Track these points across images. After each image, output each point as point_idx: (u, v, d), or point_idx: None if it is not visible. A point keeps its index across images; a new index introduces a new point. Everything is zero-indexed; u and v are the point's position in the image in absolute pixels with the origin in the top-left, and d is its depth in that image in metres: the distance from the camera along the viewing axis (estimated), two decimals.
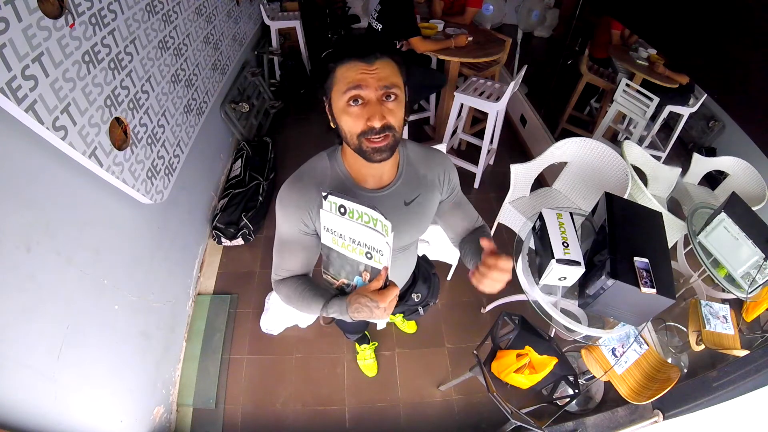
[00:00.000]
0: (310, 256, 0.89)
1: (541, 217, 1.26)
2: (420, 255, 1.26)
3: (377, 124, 0.68)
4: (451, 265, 2.13)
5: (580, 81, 2.74)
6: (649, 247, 1.13)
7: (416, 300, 1.20)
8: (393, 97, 0.70)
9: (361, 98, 0.69)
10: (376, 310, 0.72)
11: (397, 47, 2.44)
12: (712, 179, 2.09)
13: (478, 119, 3.05)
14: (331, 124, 0.76)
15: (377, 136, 0.69)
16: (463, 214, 1.03)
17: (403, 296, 1.19)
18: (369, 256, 0.73)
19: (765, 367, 1.25)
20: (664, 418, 1.48)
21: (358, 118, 0.70)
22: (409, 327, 2.01)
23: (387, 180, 0.85)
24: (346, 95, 0.69)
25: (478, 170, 2.70)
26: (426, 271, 1.26)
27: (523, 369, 1.30)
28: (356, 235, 0.72)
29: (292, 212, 0.82)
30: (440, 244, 1.82)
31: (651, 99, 2.17)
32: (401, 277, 1.12)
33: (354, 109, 0.70)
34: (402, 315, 1.67)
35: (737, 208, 1.48)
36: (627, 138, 2.32)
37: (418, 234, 0.96)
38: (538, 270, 1.28)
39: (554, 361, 1.31)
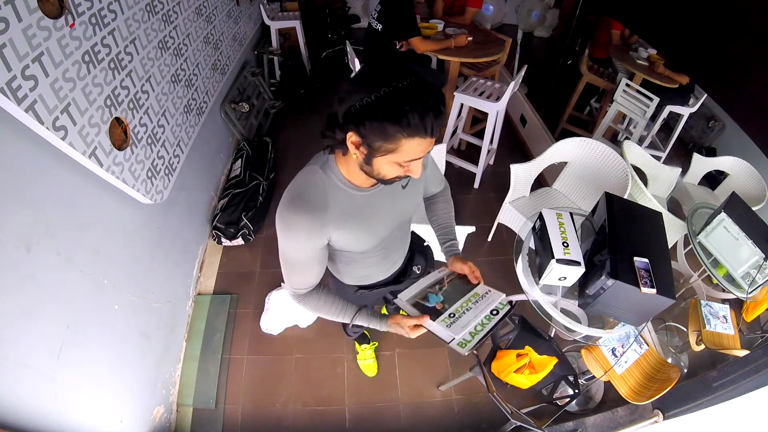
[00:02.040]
0: (324, 262, 0.93)
1: (541, 217, 1.26)
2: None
3: (415, 177, 0.77)
4: None
5: (580, 81, 2.74)
6: (649, 247, 1.13)
7: (417, 272, 1.23)
8: None
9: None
10: (406, 336, 0.93)
11: (397, 47, 2.44)
12: (712, 179, 2.10)
13: (478, 119, 3.04)
14: (355, 157, 0.75)
15: None
16: (432, 176, 1.10)
17: (405, 270, 1.21)
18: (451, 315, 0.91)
19: (765, 367, 1.25)
20: (664, 418, 1.48)
21: (399, 170, 0.75)
22: None
23: None
24: (405, 162, 0.72)
25: (478, 170, 2.70)
26: (419, 242, 1.31)
27: (523, 369, 1.29)
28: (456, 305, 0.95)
29: (304, 236, 0.82)
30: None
31: (651, 99, 2.17)
32: (403, 252, 1.16)
33: (401, 169, 0.75)
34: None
35: (737, 208, 1.48)
36: (627, 138, 2.32)
37: (416, 207, 1.03)
38: (538, 270, 1.29)
39: (554, 361, 1.31)
